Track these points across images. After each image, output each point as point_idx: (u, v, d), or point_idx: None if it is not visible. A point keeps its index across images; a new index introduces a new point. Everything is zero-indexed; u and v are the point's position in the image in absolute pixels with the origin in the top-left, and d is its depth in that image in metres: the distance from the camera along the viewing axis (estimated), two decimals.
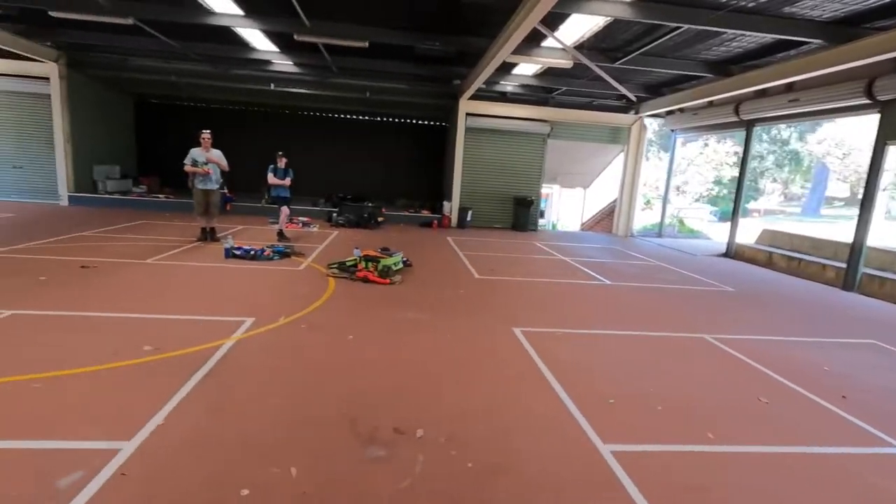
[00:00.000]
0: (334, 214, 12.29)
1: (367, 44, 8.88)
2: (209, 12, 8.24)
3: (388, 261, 6.59)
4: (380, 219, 12.28)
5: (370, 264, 6.49)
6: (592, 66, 9.09)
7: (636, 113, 13.68)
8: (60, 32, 10.49)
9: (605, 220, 17.52)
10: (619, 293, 6.85)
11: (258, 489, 2.22)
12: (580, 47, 8.79)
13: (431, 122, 16.32)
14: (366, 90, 13.21)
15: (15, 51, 10.51)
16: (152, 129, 15.34)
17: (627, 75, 10.83)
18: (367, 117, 16.12)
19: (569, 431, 2.95)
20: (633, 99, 12.17)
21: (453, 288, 6.38)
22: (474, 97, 12.50)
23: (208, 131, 8.13)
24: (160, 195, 13.01)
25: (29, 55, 10.89)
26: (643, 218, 19.54)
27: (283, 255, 7.40)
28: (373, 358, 3.85)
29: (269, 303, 5.07)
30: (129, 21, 8.40)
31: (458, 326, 4.80)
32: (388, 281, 6.27)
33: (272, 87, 12.95)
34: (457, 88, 12.76)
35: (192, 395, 3.01)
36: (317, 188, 14.41)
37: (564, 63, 9.11)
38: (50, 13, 8.20)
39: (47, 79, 11.65)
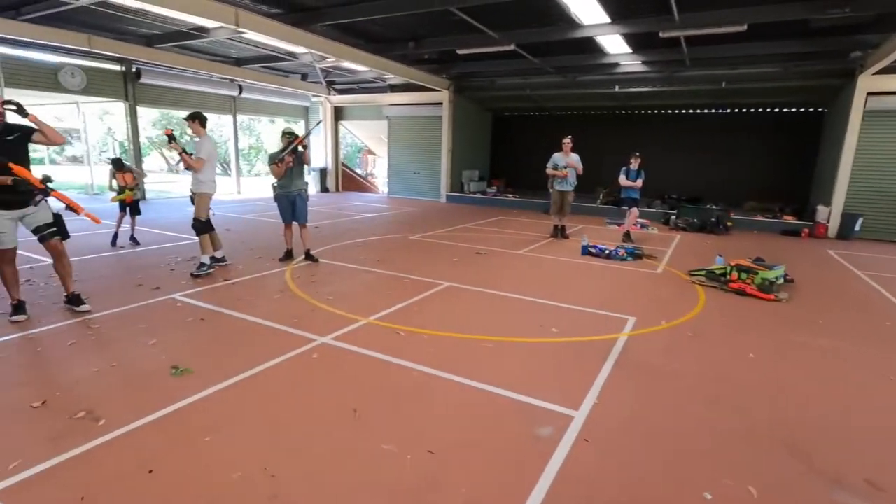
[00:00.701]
0: (672, 217, 11.58)
1: (745, 26, 7.89)
2: (578, 26, 8.89)
3: (769, 273, 5.70)
4: (728, 223, 10.88)
5: (745, 275, 5.77)
6: None
7: None
8: (453, 66, 13.32)
9: None
10: None
11: (720, 498, 2.20)
12: None
13: (801, 109, 13.42)
14: (721, 80, 11.85)
15: (426, 85, 13.93)
16: (502, 138, 17.86)
17: None
18: (712, 110, 14.52)
19: None
20: None
21: (871, 317, 5.02)
22: (883, 71, 9.56)
23: (569, 137, 8.81)
24: (508, 195, 15.02)
25: (433, 87, 14.24)
26: None
27: (636, 256, 7.38)
28: (794, 384, 3.36)
29: (641, 303, 5.11)
30: (511, 47, 9.90)
31: None
32: (771, 297, 5.43)
33: (616, 88, 13.10)
34: (856, 63, 10.02)
35: (611, 382, 3.26)
36: (649, 188, 13.85)
37: None
38: (458, 52, 10.46)
39: (440, 104, 14.99)
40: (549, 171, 8.88)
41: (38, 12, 8.94)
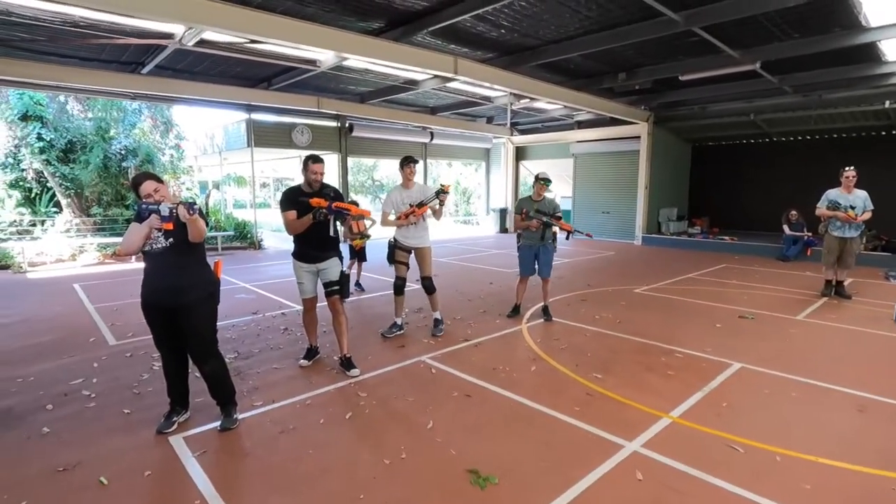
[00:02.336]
0: None
1: None
2: (859, 31, 7.04)
3: None
4: None
5: None
6: None
7: None
8: (659, 96, 12.00)
9: None
10: None
11: None
12: None
13: None
14: None
15: (623, 118, 12.83)
16: (703, 171, 15.66)
17: None
18: None
19: None
20: None
21: None
22: None
23: (851, 168, 6.88)
24: (724, 237, 12.80)
25: (630, 120, 13.07)
26: None
27: None
28: None
29: None
30: (754, 66, 8.34)
31: None
32: None
33: (886, 104, 10.35)
34: None
35: None
36: None
37: None
38: (680, 78, 9.23)
39: (636, 138, 13.68)
40: (822, 211, 6.99)
41: (283, 82, 10.29)
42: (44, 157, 11.37)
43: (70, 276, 8.95)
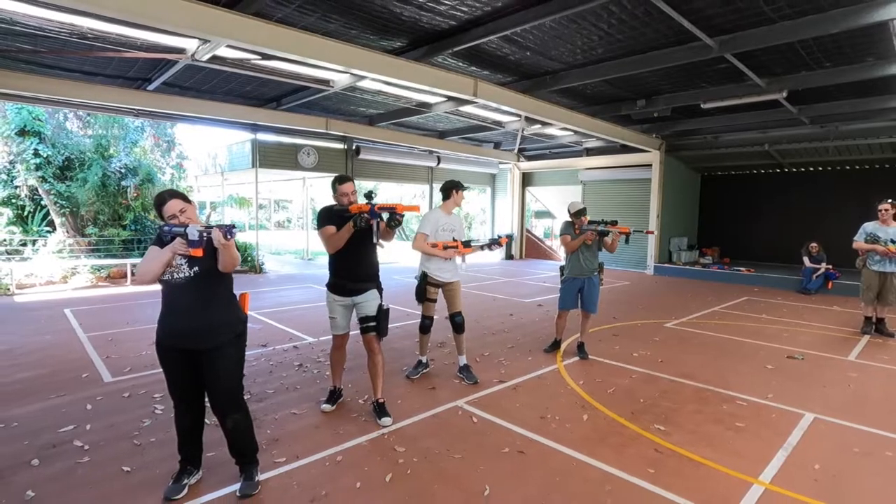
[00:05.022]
0: None
1: None
2: (893, 61, 6.91)
3: None
4: None
5: None
6: None
7: None
8: (673, 123, 11.87)
9: None
10: None
11: None
12: None
13: None
14: None
15: (635, 145, 12.67)
16: (711, 200, 15.49)
17: None
18: None
19: None
20: None
21: None
22: None
23: (888, 202, 6.62)
24: (741, 268, 12.49)
25: (641, 148, 12.91)
26: None
27: None
28: None
29: None
30: (780, 95, 8.18)
31: None
32: None
33: None
34: None
35: None
36: None
37: None
38: (702, 105, 9.07)
39: (647, 166, 13.51)
40: (859, 244, 6.69)
41: (292, 102, 10.02)
42: (39, 173, 10.92)
43: (61, 300, 8.40)
